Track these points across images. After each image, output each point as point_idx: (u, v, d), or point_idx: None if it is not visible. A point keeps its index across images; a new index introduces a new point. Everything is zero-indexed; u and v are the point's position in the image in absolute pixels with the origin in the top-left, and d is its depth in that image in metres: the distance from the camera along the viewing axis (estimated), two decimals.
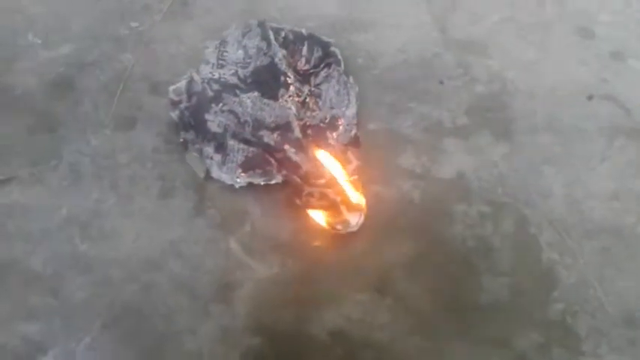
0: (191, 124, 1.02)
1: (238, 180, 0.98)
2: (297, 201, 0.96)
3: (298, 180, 0.96)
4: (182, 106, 1.03)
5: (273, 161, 0.98)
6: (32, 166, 0.99)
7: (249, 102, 1.00)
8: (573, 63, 1.17)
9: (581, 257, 0.95)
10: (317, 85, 1.09)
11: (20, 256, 0.91)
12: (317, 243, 0.95)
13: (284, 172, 0.97)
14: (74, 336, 0.86)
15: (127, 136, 1.03)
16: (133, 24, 1.17)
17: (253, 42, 1.07)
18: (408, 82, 1.13)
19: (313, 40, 1.12)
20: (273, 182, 0.98)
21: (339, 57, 1.11)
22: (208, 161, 1.00)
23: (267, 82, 1.03)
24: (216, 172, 1.00)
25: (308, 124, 1.04)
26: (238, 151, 1.00)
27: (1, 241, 0.92)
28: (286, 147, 0.97)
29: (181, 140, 1.02)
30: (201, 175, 1.00)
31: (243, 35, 1.09)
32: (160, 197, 0.98)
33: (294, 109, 1.01)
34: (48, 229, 0.94)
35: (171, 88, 1.03)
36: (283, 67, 1.04)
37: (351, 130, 1.04)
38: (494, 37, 1.21)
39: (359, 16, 1.22)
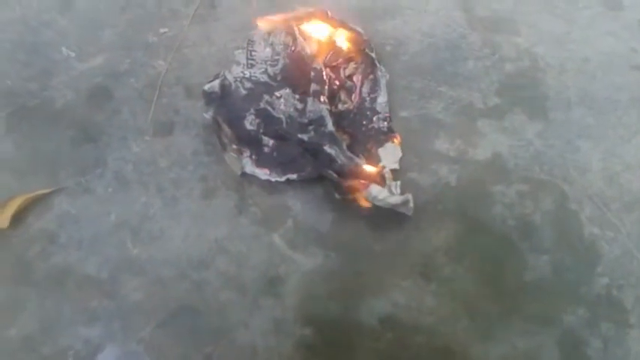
0: (226, 123, 1.03)
1: (273, 176, 1.00)
2: (336, 194, 0.98)
3: (334, 174, 0.97)
4: (216, 106, 1.04)
5: (308, 156, 0.99)
6: (78, 176, 1.03)
7: (281, 99, 1.02)
8: (602, 34, 1.16)
9: (623, 230, 0.95)
10: (348, 77, 1.09)
11: (75, 263, 0.95)
12: (358, 233, 0.97)
13: (320, 166, 0.98)
14: (133, 336, 0.89)
15: (166, 140, 1.06)
16: (162, 30, 1.19)
17: (279, 39, 1.08)
18: (437, 66, 1.14)
19: (342, 30, 1.11)
20: (309, 177, 0.99)
21: (371, 45, 1.10)
22: (245, 159, 1.02)
23: (297, 77, 1.04)
24: (250, 169, 1.01)
25: (341, 116, 1.05)
26: (273, 147, 1.02)
27: (56, 250, 0.96)
28: (320, 141, 0.99)
29: (218, 140, 1.04)
30: (238, 172, 1.02)
31: (269, 33, 1.10)
32: (203, 198, 1.00)
33: (326, 102, 1.02)
34: (99, 236, 0.97)
35: (205, 87, 1.05)
36: (312, 61, 1.04)
37: (384, 119, 1.05)
38: (519, 13, 1.20)
39: (383, 3, 1.22)
